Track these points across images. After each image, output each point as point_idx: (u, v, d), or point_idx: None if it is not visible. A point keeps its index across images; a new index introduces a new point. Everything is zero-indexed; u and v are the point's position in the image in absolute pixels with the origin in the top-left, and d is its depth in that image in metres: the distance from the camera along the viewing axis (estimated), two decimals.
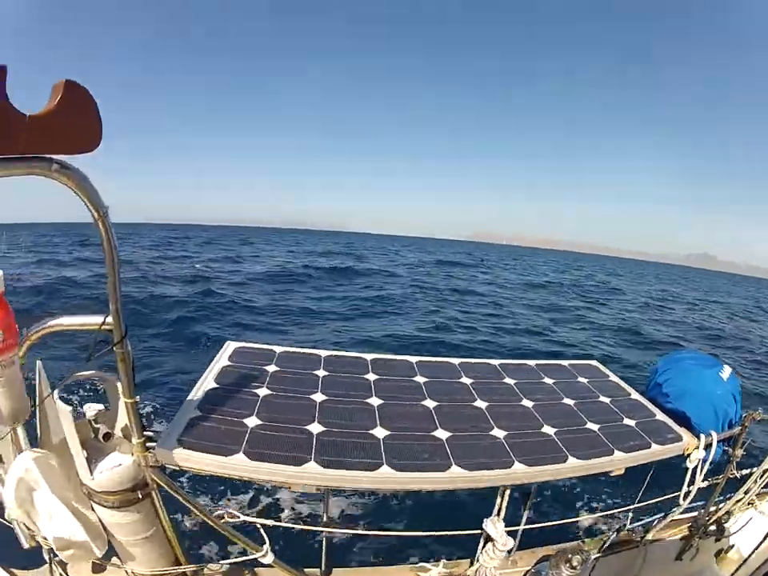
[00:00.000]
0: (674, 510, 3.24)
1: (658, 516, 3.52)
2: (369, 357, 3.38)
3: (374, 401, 2.82)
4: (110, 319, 1.83)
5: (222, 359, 3.07)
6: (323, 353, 3.35)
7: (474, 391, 3.07)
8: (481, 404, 2.92)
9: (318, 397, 2.78)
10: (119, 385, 1.99)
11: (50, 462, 2.08)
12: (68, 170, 1.47)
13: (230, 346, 3.29)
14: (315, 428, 2.48)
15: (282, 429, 2.43)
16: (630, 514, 3.40)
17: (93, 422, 2.20)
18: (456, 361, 3.51)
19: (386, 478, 2.24)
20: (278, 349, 3.33)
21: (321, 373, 3.07)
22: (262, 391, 2.75)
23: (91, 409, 2.21)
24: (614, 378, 3.64)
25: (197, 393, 2.63)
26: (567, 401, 3.13)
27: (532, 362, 3.68)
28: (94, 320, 1.86)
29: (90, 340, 1.77)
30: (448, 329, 19.38)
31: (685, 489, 3.03)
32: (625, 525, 3.48)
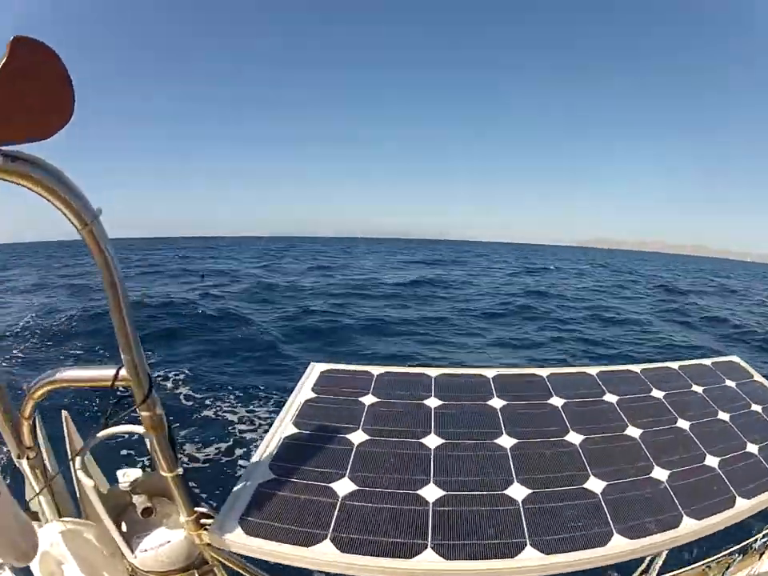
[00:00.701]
0: None
1: None
2: (490, 373, 2.72)
3: (506, 440, 2.15)
4: (123, 372, 1.31)
5: (304, 389, 2.47)
6: (433, 372, 2.69)
7: (622, 413, 2.45)
8: (634, 432, 2.32)
9: (432, 440, 2.11)
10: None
11: (85, 536, 1.73)
12: (25, 163, 0.98)
13: (315, 369, 2.68)
14: (431, 492, 1.81)
15: (385, 497, 1.78)
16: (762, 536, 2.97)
17: (130, 493, 1.73)
18: (593, 370, 2.87)
19: (529, 566, 1.59)
20: (375, 370, 2.69)
21: (433, 402, 2.41)
22: (357, 436, 2.11)
23: (126, 476, 1.71)
24: (758, 377, 3.12)
25: (269, 445, 2.03)
26: (722, 415, 2.59)
27: (674, 365, 3.08)
28: (105, 374, 1.36)
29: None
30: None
31: None
32: (752, 545, 2.99)
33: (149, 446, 1.66)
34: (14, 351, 13.54)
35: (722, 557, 2.71)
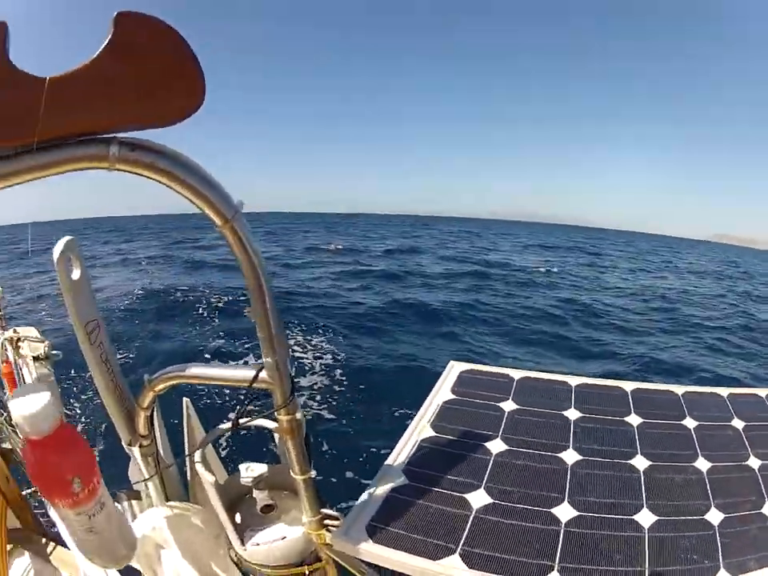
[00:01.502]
0: None
1: None
2: (629, 386, 2.60)
3: (640, 461, 2.08)
4: (264, 374, 1.25)
5: (442, 390, 2.43)
6: (573, 380, 2.60)
7: (746, 440, 2.29)
8: (754, 462, 2.15)
9: (570, 456, 2.05)
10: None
11: (192, 521, 1.70)
12: (147, 152, 0.86)
13: (454, 369, 2.61)
14: (564, 512, 1.75)
15: (518, 513, 1.73)
16: None
17: (253, 489, 1.69)
18: (724, 392, 2.68)
19: None
20: (515, 374, 2.62)
21: (572, 414, 2.33)
22: (496, 445, 2.06)
23: (250, 470, 1.67)
24: None
25: (404, 447, 2.00)
26: None
27: (763, 392, 2.79)
28: (243, 374, 1.29)
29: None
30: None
31: None
32: None
33: (280, 446, 1.64)
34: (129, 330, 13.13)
35: None
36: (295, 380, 1.34)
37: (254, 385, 1.27)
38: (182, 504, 1.76)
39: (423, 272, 26.34)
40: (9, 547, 1.86)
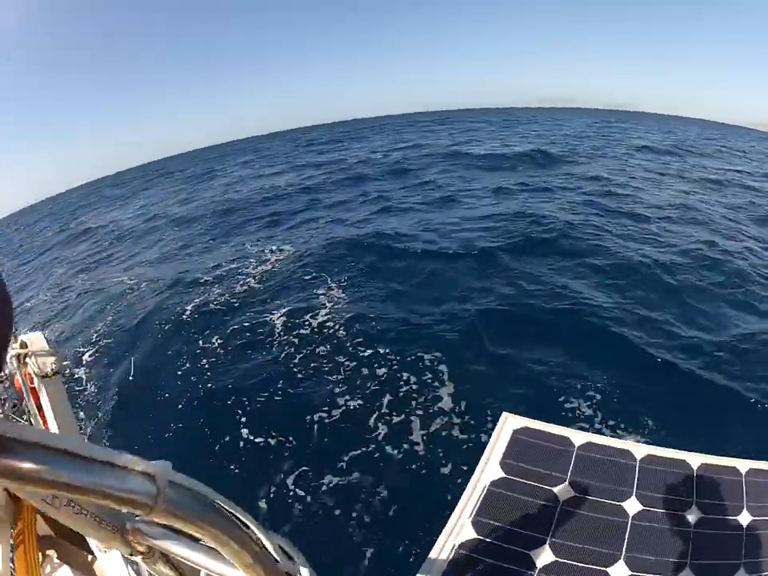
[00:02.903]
0: None
1: None
2: (694, 461, 2.20)
3: None
4: None
5: (491, 462, 2.08)
6: (638, 451, 2.21)
7: None
8: None
9: (619, 571, 1.71)
10: None
11: None
12: None
13: (507, 425, 2.25)
14: None
15: None
16: None
17: None
18: None
19: None
20: (576, 438, 2.22)
21: (631, 506, 1.96)
22: (542, 555, 1.72)
23: None
24: None
25: (439, 555, 1.68)
26: None
27: None
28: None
29: None
30: None
31: None
32: None
33: None
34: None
35: None
36: None
37: None
38: None
39: None
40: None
